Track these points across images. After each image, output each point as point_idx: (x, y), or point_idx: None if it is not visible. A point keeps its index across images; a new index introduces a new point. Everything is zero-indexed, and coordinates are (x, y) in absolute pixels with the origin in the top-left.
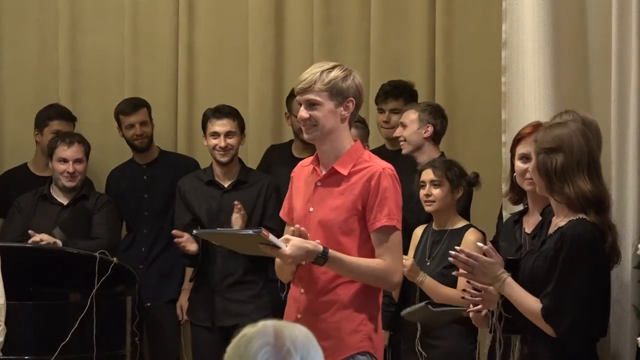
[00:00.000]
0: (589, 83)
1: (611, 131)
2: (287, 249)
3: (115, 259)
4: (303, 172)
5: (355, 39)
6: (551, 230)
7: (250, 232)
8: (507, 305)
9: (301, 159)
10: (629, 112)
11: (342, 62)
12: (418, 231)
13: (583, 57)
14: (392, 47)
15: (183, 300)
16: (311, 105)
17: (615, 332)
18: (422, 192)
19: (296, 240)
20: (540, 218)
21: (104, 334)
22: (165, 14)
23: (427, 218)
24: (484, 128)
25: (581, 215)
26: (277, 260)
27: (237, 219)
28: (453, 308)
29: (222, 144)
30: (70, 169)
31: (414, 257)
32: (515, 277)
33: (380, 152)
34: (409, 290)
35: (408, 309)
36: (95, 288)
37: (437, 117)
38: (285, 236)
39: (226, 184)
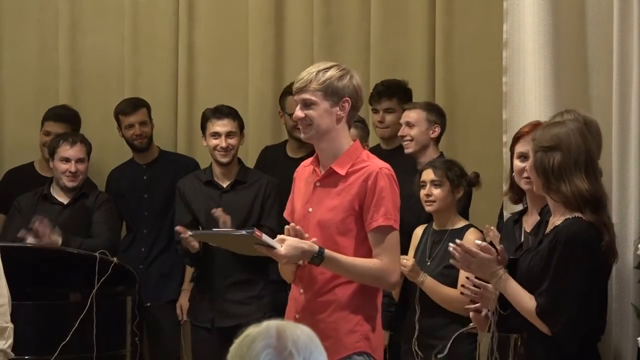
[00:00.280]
0: (589, 83)
1: (612, 131)
2: (282, 249)
3: (115, 259)
4: (304, 173)
5: (355, 39)
6: (548, 229)
7: (244, 232)
8: (503, 302)
9: (296, 159)
10: (630, 113)
11: (342, 62)
12: (418, 231)
13: (583, 58)
14: (392, 47)
15: (183, 301)
16: (307, 104)
17: (616, 332)
18: (423, 192)
19: (291, 240)
20: (538, 217)
21: (104, 334)
22: (165, 14)
23: (427, 218)
24: (484, 128)
25: (577, 214)
26: None
27: (225, 222)
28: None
29: (224, 144)
30: (73, 169)
31: (414, 257)
32: (513, 276)
33: (375, 151)
34: (409, 290)
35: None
36: (95, 288)
37: (442, 117)
38: (281, 236)
39: (225, 184)
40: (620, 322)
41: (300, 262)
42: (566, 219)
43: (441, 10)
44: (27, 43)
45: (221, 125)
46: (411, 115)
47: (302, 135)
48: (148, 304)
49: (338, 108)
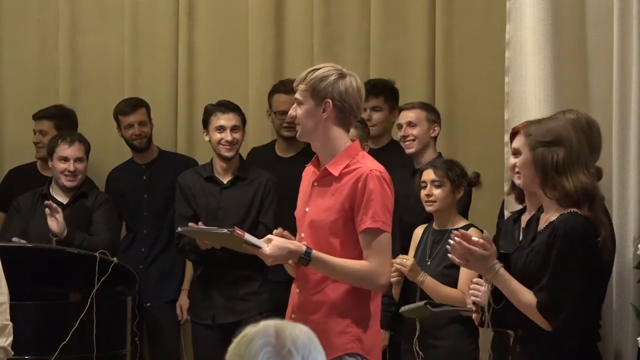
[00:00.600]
0: (589, 83)
1: (612, 131)
2: (267, 248)
3: (115, 259)
4: (308, 172)
5: (355, 39)
6: (541, 225)
7: (225, 231)
8: (495, 297)
9: (286, 158)
10: (630, 112)
11: (342, 62)
12: (418, 231)
13: (583, 58)
14: (392, 47)
15: (183, 300)
16: (298, 104)
17: (615, 332)
18: (423, 192)
19: (278, 241)
20: None
21: (104, 334)
22: (165, 14)
23: (426, 218)
24: (484, 128)
25: (572, 210)
26: None
27: None
28: (452, 308)
29: (229, 138)
30: (71, 168)
31: (415, 256)
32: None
33: None
34: (410, 290)
35: (407, 307)
36: (96, 288)
37: (438, 116)
38: (268, 236)
39: (225, 180)
40: (620, 322)
41: (290, 262)
42: (561, 214)
43: (441, 10)
44: (27, 43)
45: (226, 119)
46: (411, 115)
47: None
48: (148, 304)
49: (322, 109)
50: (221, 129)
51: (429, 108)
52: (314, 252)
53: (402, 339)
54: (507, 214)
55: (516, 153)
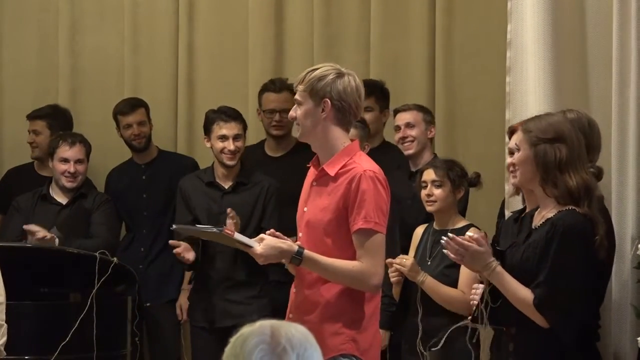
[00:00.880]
0: (589, 83)
1: (612, 131)
2: (259, 248)
3: (115, 259)
4: (311, 172)
5: (355, 39)
6: (537, 222)
7: (215, 229)
8: (493, 295)
9: (276, 158)
10: (629, 112)
11: (342, 62)
12: (419, 231)
13: (584, 58)
14: (392, 47)
15: (183, 300)
16: (297, 104)
17: (615, 332)
18: (424, 192)
19: (270, 240)
20: None
21: (104, 334)
22: (165, 13)
23: (425, 219)
24: (484, 128)
25: (570, 207)
26: None
27: (230, 225)
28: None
29: (232, 147)
30: (72, 169)
31: (415, 256)
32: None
33: None
34: (410, 290)
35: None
36: (96, 288)
37: (433, 118)
38: (260, 235)
39: (227, 186)
40: (619, 322)
41: (283, 261)
42: (559, 211)
43: (441, 10)
44: (27, 43)
45: (229, 129)
46: (408, 116)
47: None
48: (148, 304)
49: (320, 109)
50: (223, 138)
51: (424, 109)
52: (306, 251)
53: (402, 338)
54: (507, 213)
55: (513, 152)
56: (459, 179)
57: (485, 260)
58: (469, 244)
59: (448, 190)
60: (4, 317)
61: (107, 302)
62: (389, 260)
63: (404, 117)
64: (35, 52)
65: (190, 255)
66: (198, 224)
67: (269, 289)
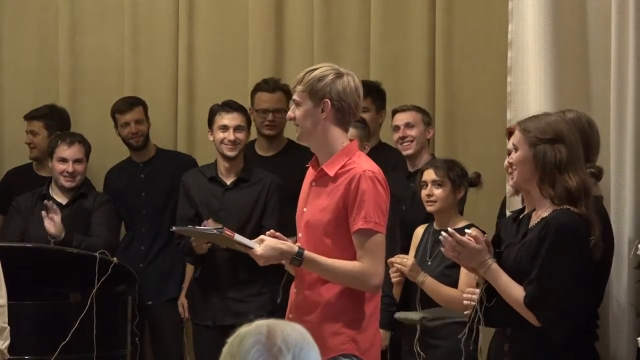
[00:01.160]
0: (590, 83)
1: (610, 131)
2: (259, 249)
3: (115, 258)
4: (310, 172)
5: (355, 39)
6: (533, 222)
7: (214, 231)
8: (488, 294)
9: (266, 157)
10: (627, 113)
11: (342, 62)
12: (419, 231)
13: (584, 58)
14: (392, 47)
15: (184, 298)
16: (296, 105)
17: (614, 333)
18: (424, 192)
19: (270, 241)
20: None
21: (104, 334)
22: (165, 13)
23: (424, 220)
24: (484, 128)
25: (565, 206)
26: None
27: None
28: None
29: (231, 137)
30: (70, 169)
31: (415, 256)
32: None
33: None
34: (410, 290)
35: (403, 315)
36: (95, 288)
37: (431, 120)
38: (261, 236)
39: (229, 181)
40: (618, 322)
41: (284, 262)
42: (554, 210)
43: (441, 10)
44: (27, 43)
45: (230, 119)
46: (407, 116)
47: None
48: (149, 303)
49: (320, 109)
50: (224, 128)
51: (422, 111)
52: (306, 252)
53: (403, 339)
54: (507, 213)
55: (510, 153)
56: (460, 179)
57: (481, 258)
58: (467, 240)
59: (448, 190)
60: (6, 319)
61: (107, 302)
62: (390, 260)
63: (403, 117)
64: (35, 52)
65: (206, 245)
66: (199, 219)
67: (270, 287)
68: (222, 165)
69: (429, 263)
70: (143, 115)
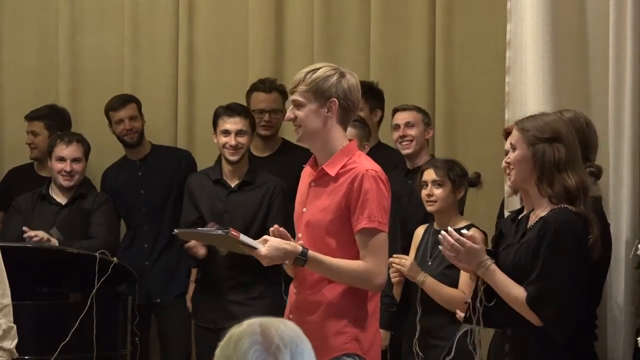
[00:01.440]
0: (589, 83)
1: (608, 130)
2: (263, 249)
3: (115, 258)
4: (306, 172)
5: (355, 39)
6: (531, 222)
7: (220, 232)
8: (488, 295)
9: (262, 157)
10: (624, 112)
11: (342, 62)
12: (419, 231)
13: (583, 58)
14: (392, 47)
15: (192, 293)
16: (297, 105)
17: (612, 333)
18: (424, 192)
19: (274, 241)
20: None
21: (104, 334)
22: (165, 13)
23: (423, 219)
24: (484, 128)
25: (563, 205)
26: None
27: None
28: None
29: (233, 142)
30: (68, 168)
31: (415, 257)
32: None
33: None
34: (411, 290)
35: None
36: (95, 288)
37: (431, 120)
38: (264, 237)
39: (233, 184)
40: (617, 322)
41: (287, 262)
42: (552, 209)
43: (441, 10)
44: (27, 42)
45: (232, 123)
46: (407, 116)
47: (296, 137)
48: (157, 300)
49: (326, 109)
50: (226, 133)
51: (422, 111)
52: (310, 252)
53: (403, 339)
54: (507, 214)
55: (508, 153)
56: (460, 179)
57: (480, 258)
58: (465, 240)
59: (448, 190)
60: (12, 318)
61: (107, 302)
62: (390, 259)
63: (403, 117)
64: (35, 52)
65: (202, 250)
66: (204, 222)
67: (271, 290)
68: (227, 167)
69: (429, 263)
70: (137, 112)
